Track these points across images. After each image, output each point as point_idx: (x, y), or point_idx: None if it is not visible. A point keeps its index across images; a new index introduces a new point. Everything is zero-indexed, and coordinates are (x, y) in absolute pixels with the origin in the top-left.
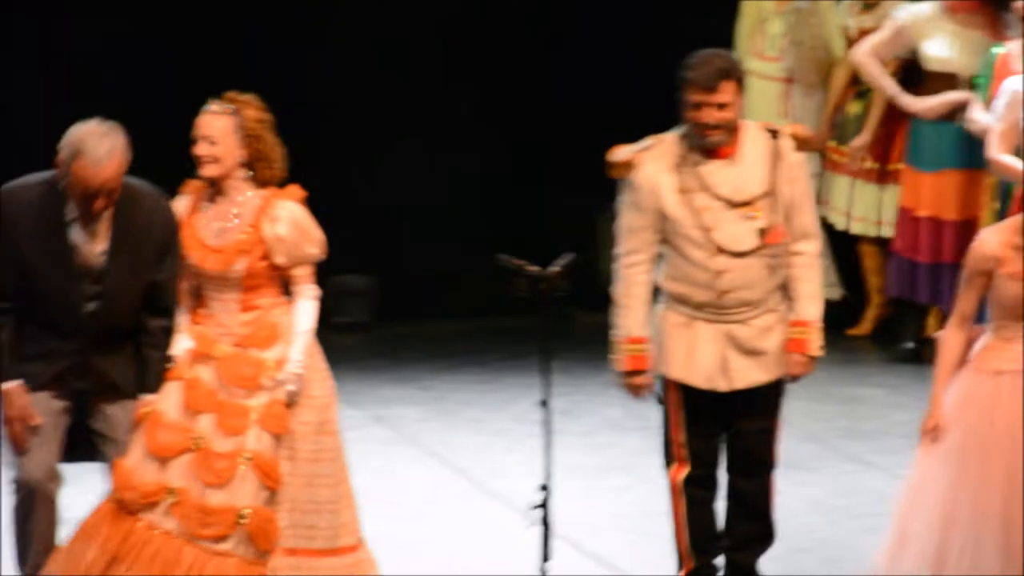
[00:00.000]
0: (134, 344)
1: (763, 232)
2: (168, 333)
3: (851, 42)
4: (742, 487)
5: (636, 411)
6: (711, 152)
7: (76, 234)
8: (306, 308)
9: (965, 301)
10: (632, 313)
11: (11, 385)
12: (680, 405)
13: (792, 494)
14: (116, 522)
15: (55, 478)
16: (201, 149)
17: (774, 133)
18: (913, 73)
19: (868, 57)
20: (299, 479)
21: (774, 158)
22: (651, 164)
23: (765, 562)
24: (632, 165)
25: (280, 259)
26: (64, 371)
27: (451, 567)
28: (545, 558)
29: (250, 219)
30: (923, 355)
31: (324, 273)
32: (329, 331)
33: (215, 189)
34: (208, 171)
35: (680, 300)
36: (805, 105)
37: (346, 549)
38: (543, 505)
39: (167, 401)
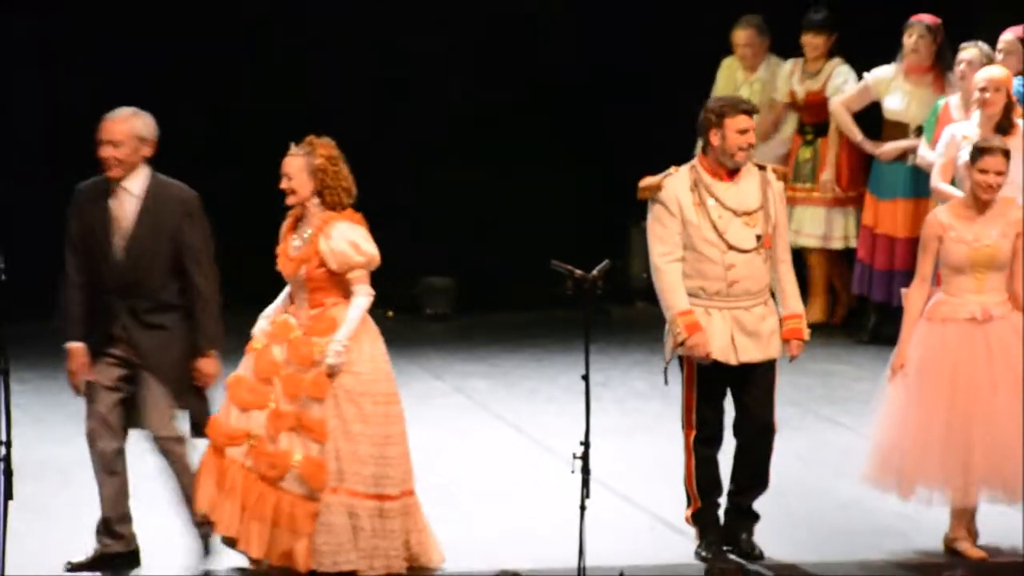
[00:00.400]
0: (176, 322)
1: (759, 237)
2: (206, 294)
3: (798, 104)
4: (747, 445)
5: (657, 384)
6: (719, 175)
7: (115, 203)
8: (356, 303)
9: (924, 264)
10: (677, 294)
11: (74, 345)
12: (693, 380)
13: (778, 447)
14: (213, 459)
15: (110, 436)
16: (283, 184)
17: (761, 167)
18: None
19: (840, 108)
20: (345, 436)
21: (763, 185)
22: (674, 185)
23: (757, 503)
24: (659, 188)
25: (333, 267)
26: (112, 338)
27: (512, 503)
28: (585, 496)
29: (311, 236)
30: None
31: (416, 275)
32: (420, 320)
33: (299, 214)
34: (288, 200)
35: (695, 293)
36: (762, 151)
37: (390, 497)
38: (584, 456)
39: (245, 367)
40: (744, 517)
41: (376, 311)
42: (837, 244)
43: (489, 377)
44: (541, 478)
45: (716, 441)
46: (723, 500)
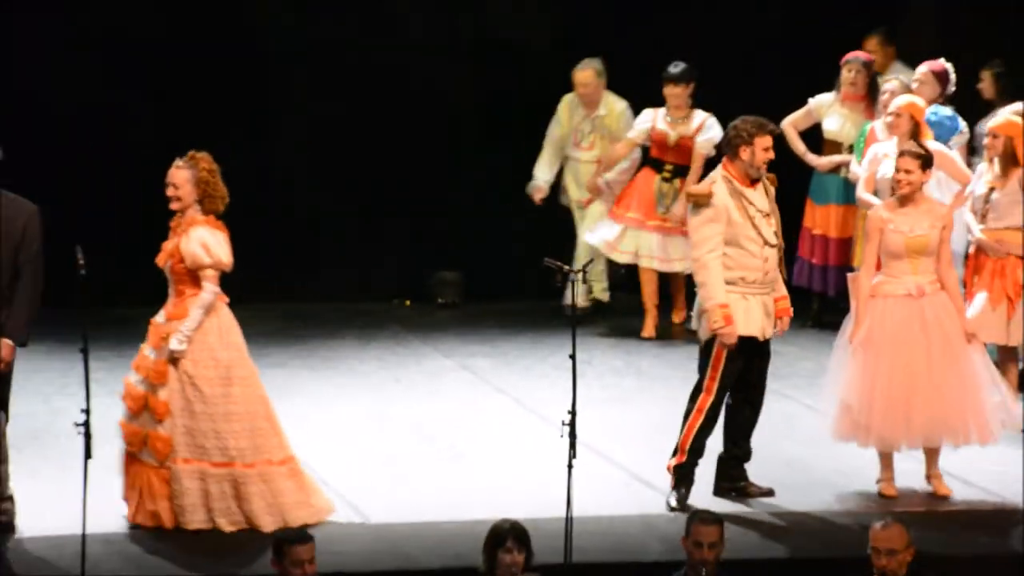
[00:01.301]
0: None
1: (775, 234)
2: (30, 291)
3: (668, 145)
4: (753, 405)
5: (632, 362)
6: (746, 183)
7: None
8: (200, 300)
9: (869, 253)
10: (719, 288)
11: None
12: (722, 355)
13: None
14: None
15: None
16: (169, 192)
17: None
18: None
19: (788, 127)
20: (190, 415)
21: (766, 190)
22: (721, 192)
23: (711, 463)
24: (710, 195)
25: (187, 264)
26: None
27: (510, 462)
28: (572, 456)
29: (178, 235)
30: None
31: (430, 269)
32: (433, 308)
33: (183, 218)
34: (173, 206)
35: (735, 282)
36: (607, 176)
37: (245, 464)
38: (571, 423)
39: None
40: (744, 462)
41: (394, 300)
42: (677, 266)
43: (491, 357)
44: (535, 441)
45: (720, 408)
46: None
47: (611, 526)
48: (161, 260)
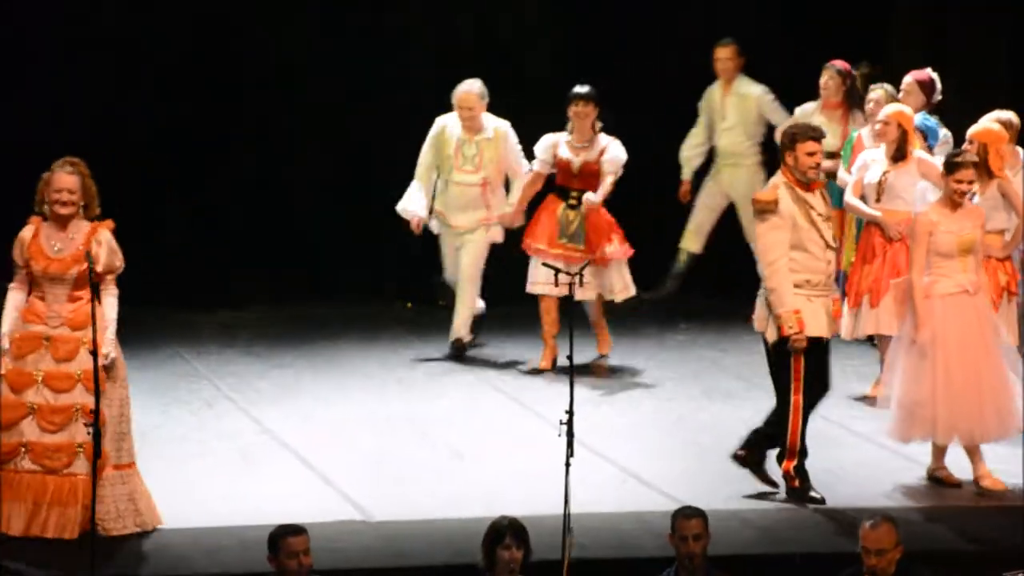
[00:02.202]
0: None
1: (833, 236)
2: None
3: (570, 173)
4: (815, 402)
5: (628, 364)
6: (804, 188)
7: None
8: (113, 303)
9: (918, 255)
10: (789, 293)
11: None
12: (800, 359)
13: (727, 414)
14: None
15: None
16: (65, 198)
17: None
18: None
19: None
20: (109, 419)
21: (823, 194)
22: (785, 199)
23: (705, 461)
24: (776, 202)
25: (99, 268)
26: None
27: (509, 460)
28: (570, 455)
29: (82, 240)
30: None
31: (431, 273)
32: (435, 311)
33: (62, 221)
34: (66, 211)
35: (801, 285)
36: (498, 197)
37: (126, 465)
38: (569, 422)
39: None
40: (771, 447)
41: (396, 302)
42: (589, 294)
43: (491, 357)
44: (533, 439)
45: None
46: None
47: (607, 523)
48: (61, 267)
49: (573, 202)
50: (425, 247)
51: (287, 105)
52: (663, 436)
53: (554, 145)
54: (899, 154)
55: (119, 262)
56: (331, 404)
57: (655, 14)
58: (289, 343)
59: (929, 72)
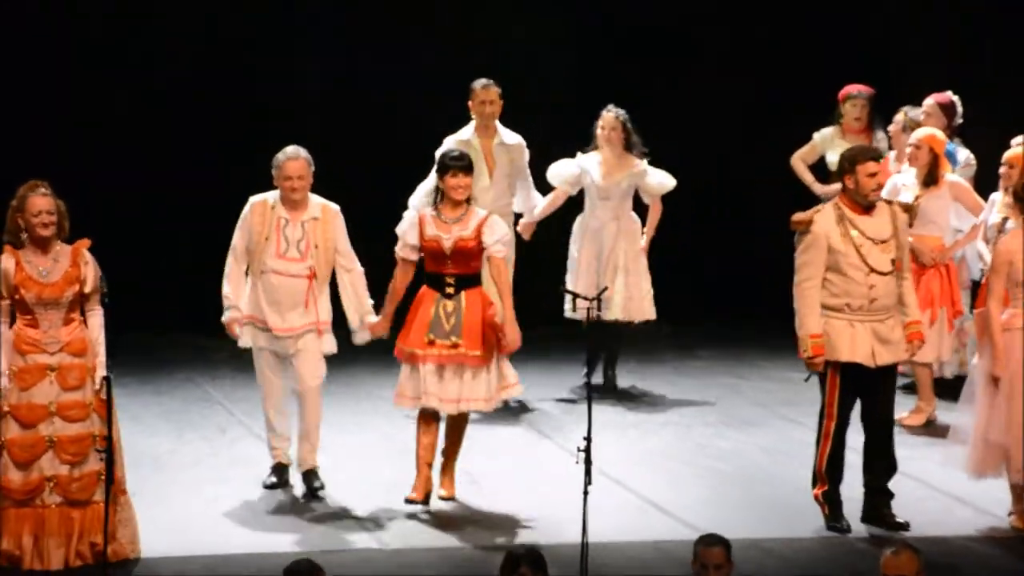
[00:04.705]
0: None
1: (893, 261)
2: None
3: (442, 255)
4: (875, 436)
5: (647, 388)
6: (858, 211)
7: None
8: (102, 323)
9: (997, 285)
10: (814, 317)
11: None
12: (836, 380)
13: (745, 441)
14: (21, 513)
15: None
16: (47, 219)
17: (888, 202)
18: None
19: (797, 161)
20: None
21: (892, 217)
22: (823, 221)
23: (725, 489)
24: (810, 222)
25: (87, 288)
26: None
27: (527, 488)
28: (588, 483)
29: (68, 263)
30: None
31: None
32: None
33: (43, 244)
34: (48, 232)
35: (840, 308)
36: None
37: (122, 492)
38: (587, 449)
39: (7, 429)
40: (883, 495)
41: None
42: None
43: None
44: (551, 467)
45: (845, 432)
46: (844, 485)
47: (625, 551)
48: (55, 291)
49: (450, 291)
50: None
51: (300, 129)
52: (682, 464)
53: (416, 223)
54: (931, 178)
55: (104, 284)
56: (346, 430)
57: None
58: None
59: (950, 95)
